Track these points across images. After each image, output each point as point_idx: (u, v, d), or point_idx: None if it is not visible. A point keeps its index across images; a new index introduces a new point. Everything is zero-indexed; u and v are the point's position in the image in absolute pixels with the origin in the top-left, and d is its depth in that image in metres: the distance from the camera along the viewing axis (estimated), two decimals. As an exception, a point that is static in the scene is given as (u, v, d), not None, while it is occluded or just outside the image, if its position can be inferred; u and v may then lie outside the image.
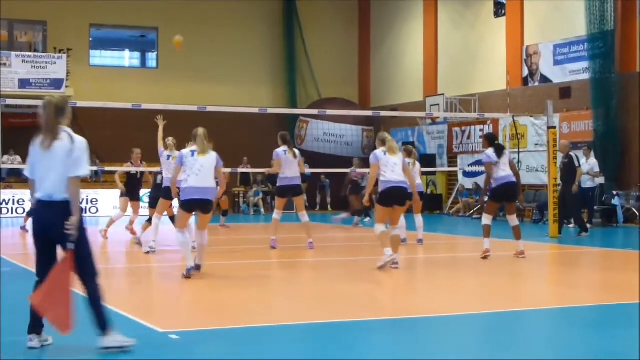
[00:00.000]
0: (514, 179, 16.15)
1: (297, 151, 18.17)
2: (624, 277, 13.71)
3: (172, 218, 18.28)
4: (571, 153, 22.25)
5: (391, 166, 14.23)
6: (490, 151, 16.17)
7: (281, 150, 17.88)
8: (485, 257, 15.85)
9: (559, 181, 22.38)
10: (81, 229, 7.70)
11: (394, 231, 14.51)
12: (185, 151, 13.57)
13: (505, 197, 16.22)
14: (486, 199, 17.32)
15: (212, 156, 13.39)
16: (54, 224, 7.64)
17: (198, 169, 13.20)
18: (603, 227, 25.40)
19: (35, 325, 7.93)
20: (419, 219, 19.15)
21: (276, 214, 18.33)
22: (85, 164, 7.81)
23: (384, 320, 9.66)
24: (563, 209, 22.02)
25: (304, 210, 18.25)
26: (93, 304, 7.79)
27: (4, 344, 8.03)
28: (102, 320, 7.78)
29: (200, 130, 13.51)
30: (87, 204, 32.03)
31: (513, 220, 16.41)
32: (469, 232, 23.61)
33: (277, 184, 18.26)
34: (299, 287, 12.98)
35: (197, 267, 13.50)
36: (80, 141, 7.93)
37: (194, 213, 13.69)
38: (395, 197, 14.28)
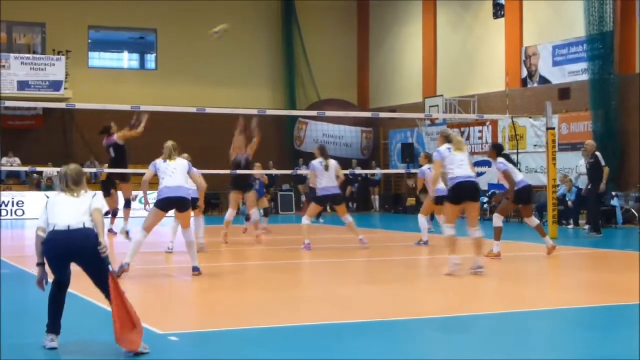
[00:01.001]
0: (528, 182, 16.70)
1: (332, 161, 18.67)
2: (623, 278, 13.70)
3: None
4: (597, 152, 22.28)
5: (457, 162, 13.86)
6: (503, 159, 16.42)
7: (317, 162, 18.51)
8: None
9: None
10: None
11: (474, 233, 14.07)
12: (158, 160, 14.07)
13: (526, 199, 16.58)
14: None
15: (183, 162, 14.07)
16: (77, 249, 8.06)
17: (171, 171, 13.82)
18: (602, 228, 25.35)
19: (55, 325, 8.05)
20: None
21: (306, 219, 18.75)
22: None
23: (384, 322, 9.65)
24: (593, 208, 22.79)
25: (346, 214, 18.67)
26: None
27: (4, 345, 8.03)
28: None
29: (169, 143, 14.18)
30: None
31: (533, 221, 16.77)
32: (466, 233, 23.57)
33: (316, 194, 18.80)
34: (299, 288, 12.97)
35: (195, 269, 13.57)
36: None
37: (169, 214, 14.29)
38: (465, 191, 13.84)
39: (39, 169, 28.20)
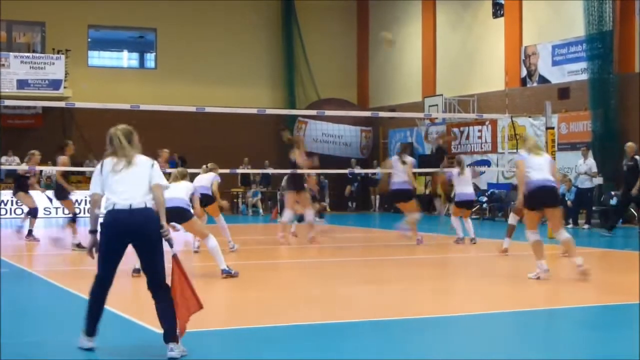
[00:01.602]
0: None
1: (409, 158, 19.63)
2: (623, 277, 13.70)
3: None
4: (637, 157, 22.27)
5: (536, 166, 13.32)
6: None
7: (395, 157, 19.82)
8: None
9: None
10: (160, 240, 7.94)
11: (562, 236, 13.50)
12: None
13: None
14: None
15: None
16: (139, 230, 7.87)
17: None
18: (601, 228, 25.37)
19: (93, 328, 7.93)
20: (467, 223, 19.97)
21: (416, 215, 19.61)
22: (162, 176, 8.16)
23: (384, 321, 9.66)
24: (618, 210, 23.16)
25: (413, 212, 19.48)
26: (167, 316, 7.87)
27: (4, 345, 8.03)
28: (172, 332, 7.81)
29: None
30: (86, 204, 31.94)
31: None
32: (466, 233, 23.58)
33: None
34: (298, 288, 12.96)
35: (224, 272, 13.40)
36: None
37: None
38: (543, 197, 13.20)
39: (38, 168, 28.13)
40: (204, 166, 17.92)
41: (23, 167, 20.61)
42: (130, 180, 7.88)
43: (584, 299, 11.66)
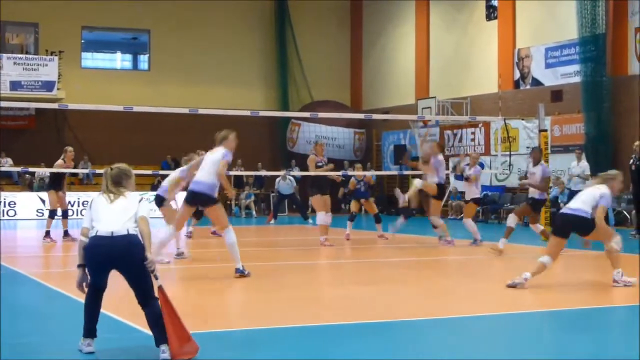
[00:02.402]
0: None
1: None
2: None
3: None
4: None
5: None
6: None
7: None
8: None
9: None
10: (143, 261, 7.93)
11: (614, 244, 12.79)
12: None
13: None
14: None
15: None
16: (120, 256, 7.89)
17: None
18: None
19: (91, 330, 7.94)
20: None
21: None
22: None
23: (373, 323, 9.66)
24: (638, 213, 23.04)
25: (435, 214, 19.80)
26: (155, 320, 7.86)
27: (4, 345, 8.04)
28: (163, 336, 7.81)
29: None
30: (78, 206, 31.92)
31: (538, 227, 18.42)
32: (460, 235, 23.61)
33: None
34: (294, 289, 12.95)
35: (238, 272, 13.37)
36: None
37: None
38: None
39: (31, 169, 28.17)
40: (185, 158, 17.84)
41: (59, 163, 20.58)
42: (115, 210, 7.98)
43: (577, 300, 11.66)
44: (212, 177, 13.66)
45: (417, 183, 19.51)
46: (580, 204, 12.36)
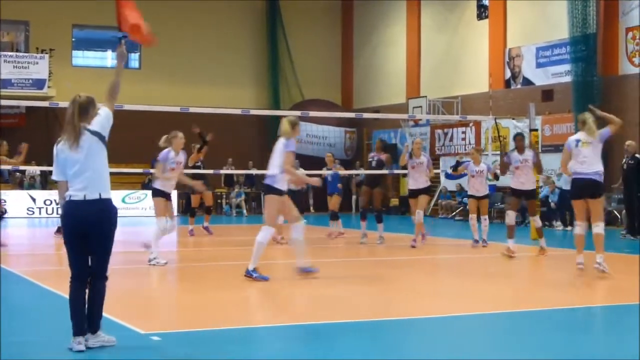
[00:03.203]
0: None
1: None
2: (605, 279, 13.73)
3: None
4: (638, 155, 22.28)
5: (581, 157, 14.07)
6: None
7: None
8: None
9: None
10: (112, 224, 7.93)
11: (594, 229, 13.98)
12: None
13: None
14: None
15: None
16: (91, 222, 7.82)
17: None
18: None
19: (80, 327, 7.91)
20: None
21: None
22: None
23: (366, 322, 9.66)
24: (630, 213, 22.83)
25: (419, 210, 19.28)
26: (99, 303, 7.91)
27: (4, 344, 8.04)
28: (97, 321, 7.84)
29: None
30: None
31: (537, 220, 18.10)
32: (451, 234, 23.65)
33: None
34: (281, 288, 12.96)
35: (247, 274, 13.10)
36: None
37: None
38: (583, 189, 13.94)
39: (21, 167, 28.06)
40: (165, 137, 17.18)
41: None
42: (80, 161, 7.93)
43: (568, 299, 11.69)
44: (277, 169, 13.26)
45: None
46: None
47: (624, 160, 22.47)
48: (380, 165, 20.45)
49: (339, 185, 22.40)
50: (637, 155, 22.30)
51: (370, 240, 20.03)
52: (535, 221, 18.03)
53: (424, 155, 19.58)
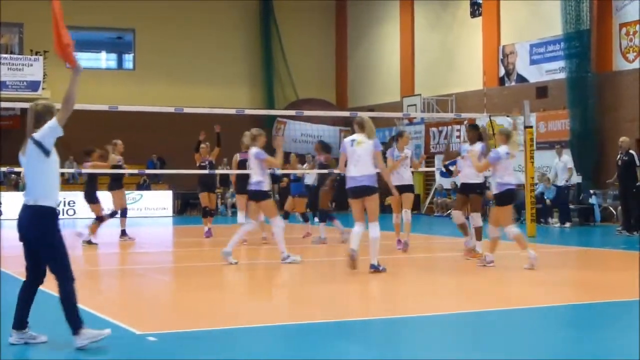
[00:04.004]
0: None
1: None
2: (603, 275, 13.76)
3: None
4: (631, 151, 22.27)
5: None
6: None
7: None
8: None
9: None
10: (56, 231, 7.94)
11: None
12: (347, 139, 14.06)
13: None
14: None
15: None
16: (24, 227, 7.97)
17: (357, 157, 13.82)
18: (580, 226, 25.50)
19: (21, 321, 8.02)
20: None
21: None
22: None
23: (363, 321, 9.66)
24: (626, 209, 22.57)
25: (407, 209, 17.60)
26: (66, 306, 7.91)
27: (4, 344, 8.05)
28: (75, 321, 7.87)
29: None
30: (64, 206, 31.91)
31: (476, 219, 16.21)
32: (446, 232, 23.65)
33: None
34: (278, 288, 12.96)
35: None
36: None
37: None
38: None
39: (17, 169, 28.01)
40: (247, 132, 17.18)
41: (114, 157, 20.37)
42: (25, 170, 8.12)
43: (563, 297, 11.70)
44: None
45: None
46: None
47: (619, 156, 22.48)
48: (323, 166, 20.32)
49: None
50: (631, 151, 22.32)
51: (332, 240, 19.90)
52: (474, 219, 16.09)
53: (407, 149, 18.28)
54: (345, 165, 13.91)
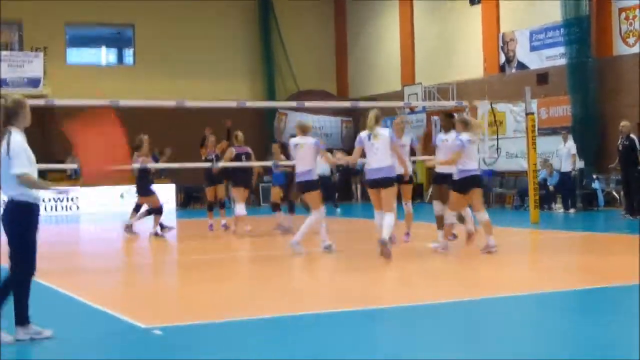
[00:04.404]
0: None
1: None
2: (606, 260, 13.77)
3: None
4: (632, 135, 22.26)
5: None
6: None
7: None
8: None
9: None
10: (18, 222, 8.19)
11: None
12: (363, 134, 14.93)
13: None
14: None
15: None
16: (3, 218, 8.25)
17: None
18: (584, 211, 25.48)
19: (22, 316, 8.00)
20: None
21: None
22: (18, 162, 8.18)
23: (365, 310, 9.67)
24: (628, 193, 22.69)
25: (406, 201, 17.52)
26: (14, 296, 8.03)
27: (4, 344, 8.02)
28: (22, 313, 7.97)
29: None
30: (67, 201, 31.94)
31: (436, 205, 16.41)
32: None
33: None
34: (282, 280, 12.97)
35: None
36: (15, 141, 8.22)
37: None
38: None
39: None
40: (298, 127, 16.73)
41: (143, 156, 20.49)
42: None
43: (567, 282, 11.70)
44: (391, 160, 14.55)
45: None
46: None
47: (620, 141, 22.49)
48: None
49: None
50: (631, 135, 22.32)
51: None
52: (435, 206, 16.06)
53: (407, 136, 17.66)
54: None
